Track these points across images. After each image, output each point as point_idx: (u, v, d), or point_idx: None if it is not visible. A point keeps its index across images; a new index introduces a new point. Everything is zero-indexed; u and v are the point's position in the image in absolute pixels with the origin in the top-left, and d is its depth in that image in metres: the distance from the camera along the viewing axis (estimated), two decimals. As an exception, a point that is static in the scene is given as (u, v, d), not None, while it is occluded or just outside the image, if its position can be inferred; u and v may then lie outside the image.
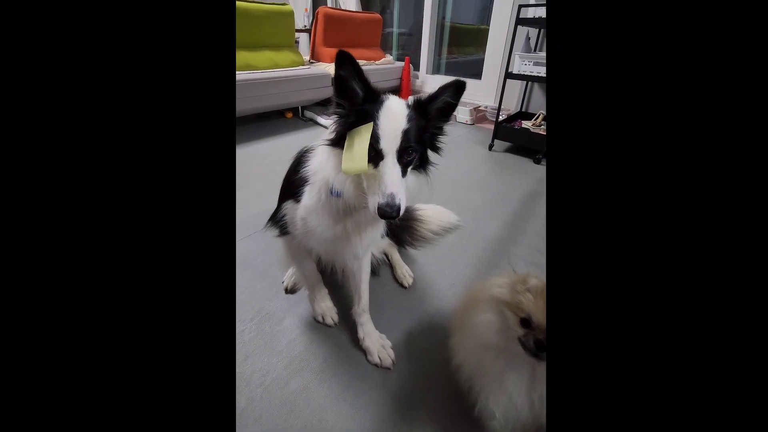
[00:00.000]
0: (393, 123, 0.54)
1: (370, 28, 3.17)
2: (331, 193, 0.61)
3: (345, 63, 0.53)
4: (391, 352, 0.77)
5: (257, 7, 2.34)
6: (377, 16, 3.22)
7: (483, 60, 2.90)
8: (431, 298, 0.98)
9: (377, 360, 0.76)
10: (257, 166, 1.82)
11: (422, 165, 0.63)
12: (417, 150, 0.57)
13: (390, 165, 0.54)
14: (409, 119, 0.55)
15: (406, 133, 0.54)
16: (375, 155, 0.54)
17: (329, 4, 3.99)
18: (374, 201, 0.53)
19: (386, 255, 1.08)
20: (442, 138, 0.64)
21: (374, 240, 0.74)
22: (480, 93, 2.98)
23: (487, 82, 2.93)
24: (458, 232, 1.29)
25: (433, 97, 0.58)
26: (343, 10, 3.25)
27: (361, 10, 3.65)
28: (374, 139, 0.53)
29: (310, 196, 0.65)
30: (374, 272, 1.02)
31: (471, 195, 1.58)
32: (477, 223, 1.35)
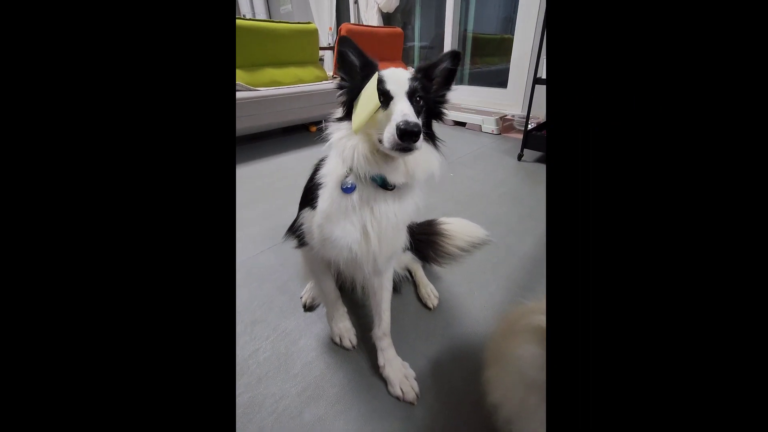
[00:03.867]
0: (398, 72, 0.58)
1: (392, 42, 3.20)
2: (343, 190, 0.59)
3: (345, 41, 0.59)
4: (415, 384, 0.69)
5: (283, 27, 2.42)
6: (398, 30, 3.24)
7: (508, 69, 2.82)
8: (459, 321, 0.89)
9: (399, 392, 0.68)
10: (281, 179, 1.83)
11: (432, 136, 0.63)
12: (424, 99, 0.59)
13: (401, 101, 0.54)
14: (415, 75, 0.59)
15: (412, 80, 0.57)
16: (384, 99, 0.55)
17: (352, 21, 4.10)
18: (390, 132, 0.50)
19: (409, 271, 1.01)
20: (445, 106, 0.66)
21: (396, 250, 0.68)
22: (506, 102, 2.89)
23: (513, 90, 2.84)
24: (487, 248, 1.20)
25: (434, 64, 0.62)
26: (365, 25, 3.32)
27: (382, 25, 3.71)
28: (381, 84, 0.55)
29: (324, 198, 0.62)
30: (396, 289, 0.96)
31: (501, 208, 1.48)
32: (508, 239, 1.25)
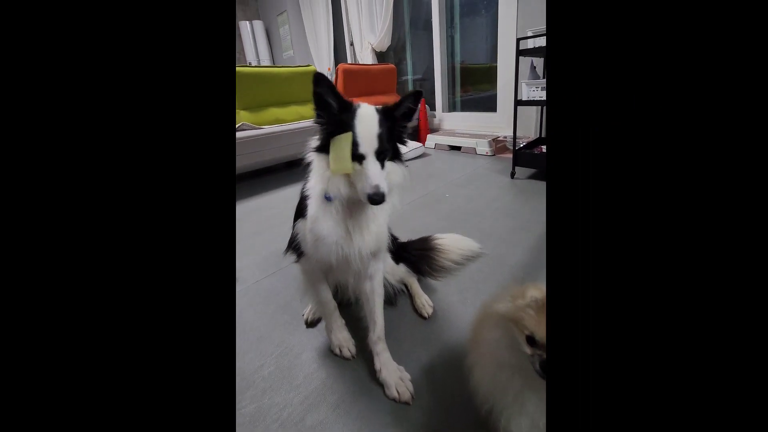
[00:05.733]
0: (368, 129, 0.65)
1: (386, 77, 3.44)
2: (326, 198, 0.69)
3: (320, 82, 0.65)
4: (410, 386, 0.73)
5: (285, 71, 2.66)
6: (391, 66, 3.50)
7: (496, 95, 3.00)
8: (453, 328, 0.93)
9: (395, 394, 0.72)
10: (286, 209, 1.93)
11: (396, 156, 0.74)
12: (390, 147, 0.69)
13: (371, 163, 0.64)
14: (381, 124, 0.66)
15: (380, 137, 0.65)
16: (357, 157, 0.65)
17: (349, 61, 4.43)
18: (363, 190, 0.64)
19: (405, 285, 1.06)
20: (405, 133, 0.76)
21: (380, 245, 0.78)
22: (497, 125, 3.03)
23: (502, 113, 2.99)
24: (481, 260, 1.25)
25: (398, 104, 0.70)
26: (360, 64, 3.59)
27: (376, 62, 4.00)
28: (355, 145, 0.64)
29: (312, 206, 0.73)
30: (391, 302, 1.01)
31: (494, 223, 1.54)
32: (500, 250, 1.30)
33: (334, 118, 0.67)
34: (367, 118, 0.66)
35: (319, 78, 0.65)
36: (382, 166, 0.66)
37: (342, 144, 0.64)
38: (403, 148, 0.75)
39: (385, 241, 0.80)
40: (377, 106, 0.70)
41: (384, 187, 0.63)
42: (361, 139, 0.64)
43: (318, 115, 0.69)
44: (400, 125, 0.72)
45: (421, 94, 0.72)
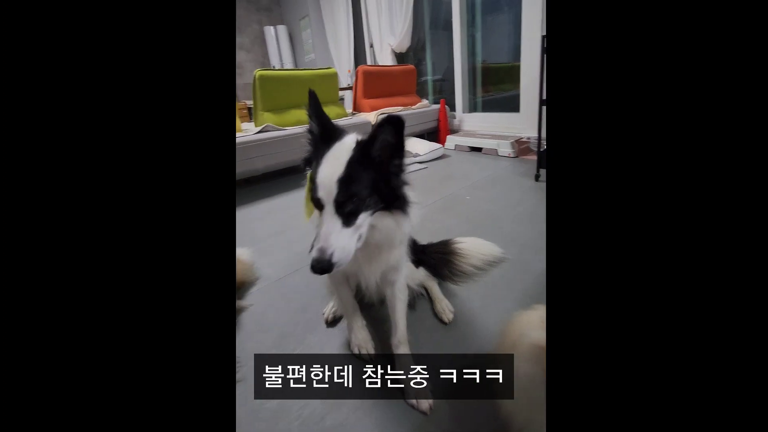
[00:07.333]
0: (329, 171, 0.51)
1: (406, 78, 3.44)
2: None
3: (310, 98, 0.55)
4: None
5: (307, 73, 2.72)
6: (411, 67, 3.50)
7: (519, 95, 2.93)
8: (474, 336, 0.91)
9: (413, 401, 0.71)
10: (305, 208, 1.97)
11: (395, 204, 0.57)
12: (363, 196, 0.52)
13: (327, 216, 0.51)
14: (349, 166, 0.51)
15: (342, 182, 0.50)
16: (317, 203, 0.52)
17: (368, 63, 4.46)
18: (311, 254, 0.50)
19: (425, 288, 1.06)
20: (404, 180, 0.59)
21: (390, 266, 0.71)
22: (520, 125, 2.96)
23: (525, 114, 2.91)
24: (503, 266, 1.22)
25: (371, 138, 0.53)
26: (380, 66, 3.60)
27: (396, 63, 4.01)
28: (314, 187, 0.51)
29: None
30: (411, 305, 1.00)
31: (517, 228, 1.50)
32: (525, 256, 1.27)
33: (315, 145, 0.57)
34: (335, 154, 0.52)
35: (310, 94, 0.56)
36: (349, 222, 0.51)
37: (308, 183, 0.53)
38: (414, 163, 0.63)
39: (401, 260, 0.74)
40: (362, 138, 0.55)
41: (333, 250, 0.48)
42: (319, 181, 0.51)
43: (309, 131, 0.60)
44: (390, 165, 0.55)
45: (401, 121, 0.51)
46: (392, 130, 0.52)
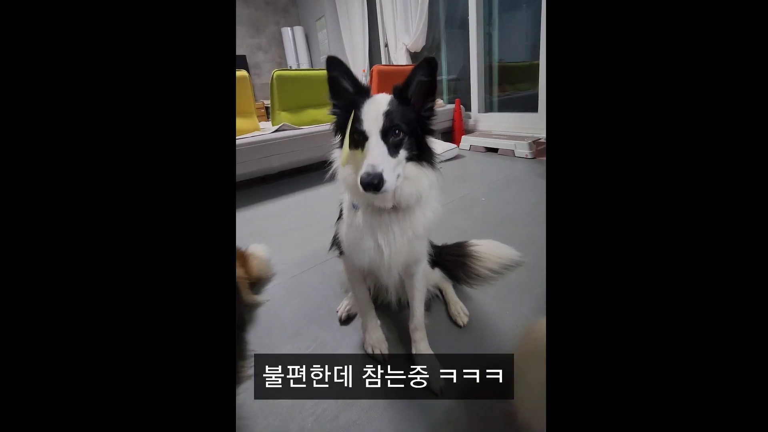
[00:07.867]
0: (374, 107, 0.57)
1: (422, 77, 3.41)
2: (353, 206, 0.66)
3: (335, 66, 0.61)
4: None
5: (322, 73, 2.70)
6: (427, 66, 3.46)
7: (537, 94, 2.86)
8: (490, 340, 0.90)
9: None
10: (321, 208, 1.99)
11: (422, 155, 0.62)
12: (404, 131, 0.58)
13: (374, 143, 0.55)
14: (391, 103, 0.58)
15: (387, 114, 0.56)
16: (360, 138, 0.57)
17: (383, 62, 4.46)
18: (359, 175, 0.53)
19: (440, 290, 1.05)
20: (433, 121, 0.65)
21: (412, 258, 0.73)
22: (538, 126, 2.90)
23: (544, 114, 2.85)
24: (520, 269, 1.20)
25: (408, 80, 0.59)
26: (395, 65, 3.60)
27: (410, 63, 3.99)
28: (357, 123, 0.57)
29: (345, 212, 0.73)
30: (426, 307, 0.99)
31: (535, 230, 1.47)
32: (542, 260, 1.23)
33: (349, 101, 0.61)
34: (376, 99, 0.59)
35: (332, 61, 0.60)
36: (394, 152, 0.57)
37: (348, 128, 0.57)
38: (435, 147, 0.66)
39: (423, 253, 0.75)
40: (398, 85, 0.62)
41: (383, 169, 0.52)
42: (364, 116, 0.56)
43: (334, 106, 0.64)
44: (422, 109, 0.62)
45: (435, 61, 0.59)
46: (427, 67, 0.59)
